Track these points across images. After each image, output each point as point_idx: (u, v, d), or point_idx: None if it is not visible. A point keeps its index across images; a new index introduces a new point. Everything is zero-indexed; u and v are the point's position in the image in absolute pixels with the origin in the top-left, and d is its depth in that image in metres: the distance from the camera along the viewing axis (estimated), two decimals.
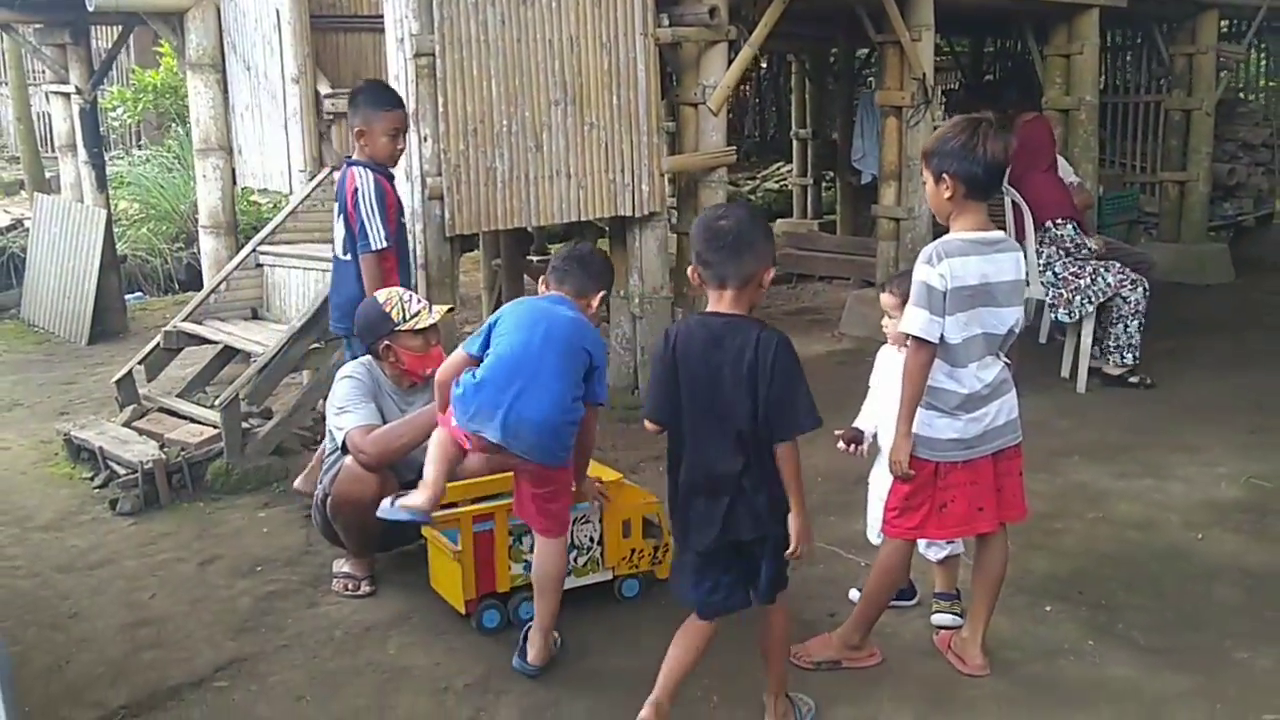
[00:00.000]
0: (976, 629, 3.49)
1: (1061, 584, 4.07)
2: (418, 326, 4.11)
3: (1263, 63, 11.43)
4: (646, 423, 3.10)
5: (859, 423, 3.86)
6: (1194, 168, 9.73)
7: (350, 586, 4.14)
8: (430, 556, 3.97)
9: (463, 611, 3.77)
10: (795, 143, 12.34)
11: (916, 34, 7.25)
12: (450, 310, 4.60)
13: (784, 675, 3.18)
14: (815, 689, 3.36)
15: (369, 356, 4.22)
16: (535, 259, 7.77)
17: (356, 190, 4.41)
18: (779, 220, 12.01)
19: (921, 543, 3.77)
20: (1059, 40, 8.58)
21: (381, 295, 4.21)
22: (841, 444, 3.81)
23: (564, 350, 3.40)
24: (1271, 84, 11.42)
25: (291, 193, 6.41)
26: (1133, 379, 6.41)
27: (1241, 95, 11.05)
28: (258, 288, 6.17)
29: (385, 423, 4.02)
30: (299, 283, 5.90)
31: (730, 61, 6.49)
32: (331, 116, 6.21)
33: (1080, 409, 6.17)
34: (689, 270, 3.09)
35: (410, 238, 5.36)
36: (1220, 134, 10.00)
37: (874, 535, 3.83)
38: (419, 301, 4.22)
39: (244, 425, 5.28)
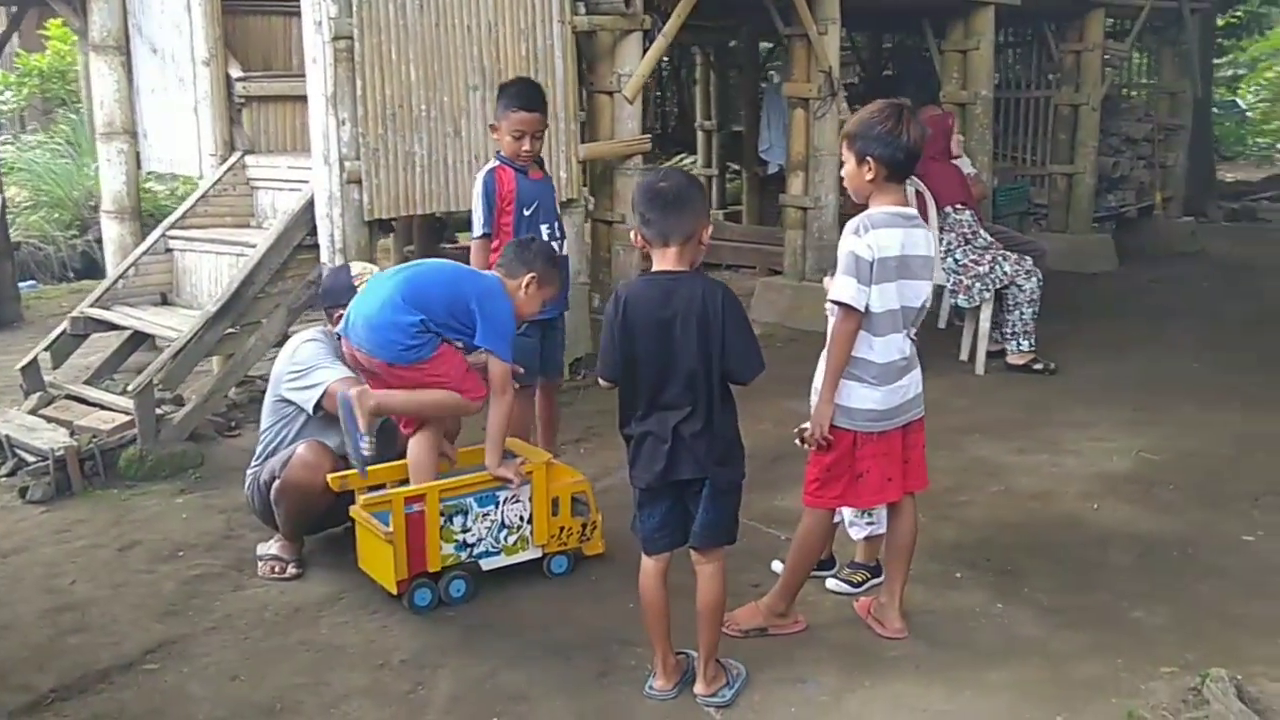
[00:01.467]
0: (894, 594, 3.66)
1: (969, 552, 4.28)
2: None
3: (1143, 61, 11.94)
4: (600, 380, 3.27)
5: None
6: (1081, 161, 10.16)
7: (277, 569, 4.14)
8: (359, 538, 3.99)
9: (394, 592, 3.80)
10: (700, 134, 12.50)
11: (823, 28, 7.46)
12: None
13: (715, 641, 3.31)
14: (744, 655, 3.48)
15: (321, 327, 4.25)
16: (448, 246, 7.76)
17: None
18: None
19: (846, 520, 3.94)
20: (956, 36, 8.90)
21: (355, 268, 4.27)
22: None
23: (418, 276, 3.84)
24: (1151, 82, 11.94)
25: (202, 177, 6.33)
26: (1037, 366, 6.69)
27: (1124, 92, 11.54)
28: (168, 273, 6.09)
29: None
30: (210, 267, 5.84)
31: (645, 50, 6.59)
32: (243, 100, 6.15)
33: (978, 390, 6.44)
34: (631, 234, 3.29)
35: (328, 222, 5.37)
36: (1105, 129, 10.45)
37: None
38: None
39: (157, 411, 5.21)
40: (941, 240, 6.78)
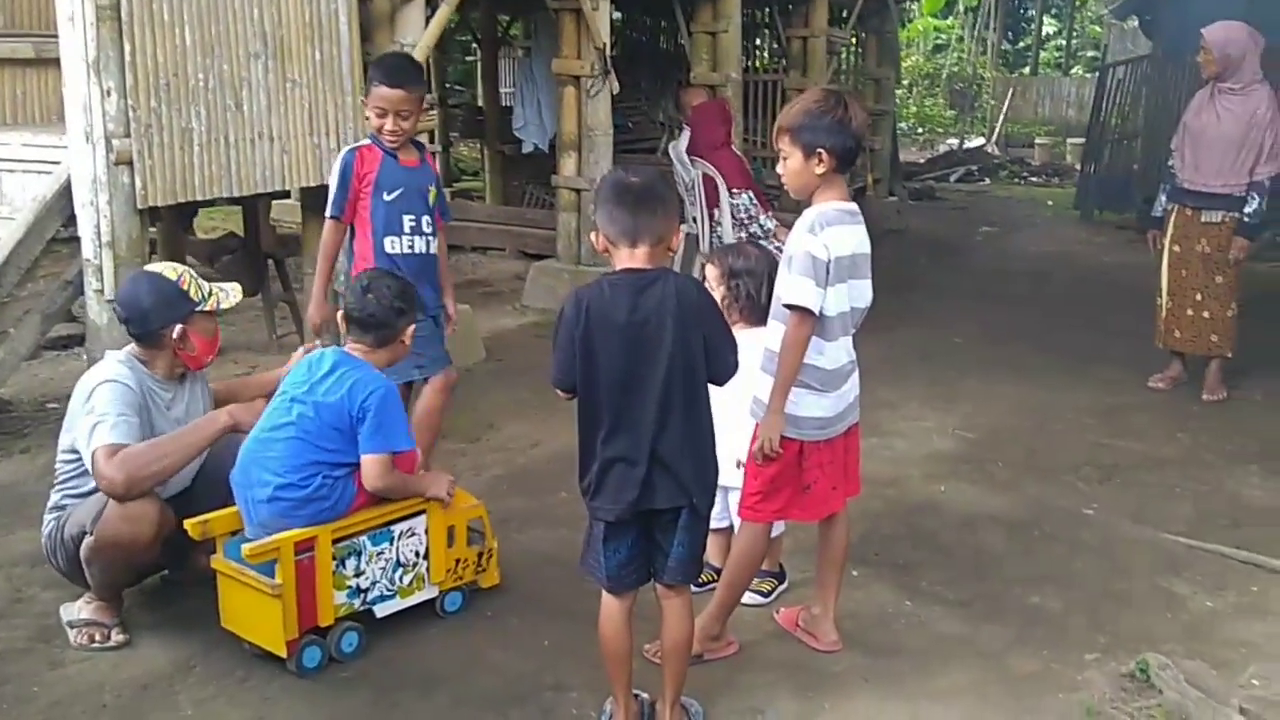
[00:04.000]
0: (828, 606, 3.51)
1: (855, 548, 4.16)
2: (223, 305, 3.58)
3: (854, 48, 12.54)
4: (558, 390, 2.87)
5: None
6: None
7: (99, 637, 3.41)
8: (223, 594, 3.35)
9: (283, 654, 3.22)
10: None
11: (594, 3, 7.19)
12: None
13: (683, 682, 3.02)
14: (686, 688, 3.21)
15: (127, 352, 3.49)
16: (196, 236, 6.83)
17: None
18: None
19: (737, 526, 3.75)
20: (705, 18, 8.90)
21: (170, 271, 3.53)
22: None
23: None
24: (858, 68, 12.56)
25: None
26: None
27: (841, 78, 12.08)
28: None
29: (153, 436, 3.36)
30: None
31: (429, 20, 6.06)
32: None
33: None
34: (592, 235, 2.91)
35: (92, 210, 4.54)
36: None
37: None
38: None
39: None
40: (725, 224, 6.74)
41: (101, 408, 3.29)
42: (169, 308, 3.46)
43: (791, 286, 3.13)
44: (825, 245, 3.11)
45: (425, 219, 4.21)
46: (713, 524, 3.75)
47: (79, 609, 3.47)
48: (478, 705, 3.15)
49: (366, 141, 4.20)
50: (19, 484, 4.60)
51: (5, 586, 3.75)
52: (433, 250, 4.25)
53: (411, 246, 4.17)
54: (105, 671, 3.29)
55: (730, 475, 3.65)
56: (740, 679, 3.32)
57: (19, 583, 3.76)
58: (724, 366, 2.89)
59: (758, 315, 3.71)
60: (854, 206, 3.25)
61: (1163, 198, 6.11)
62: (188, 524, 3.32)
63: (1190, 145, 5.83)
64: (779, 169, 3.30)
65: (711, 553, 3.87)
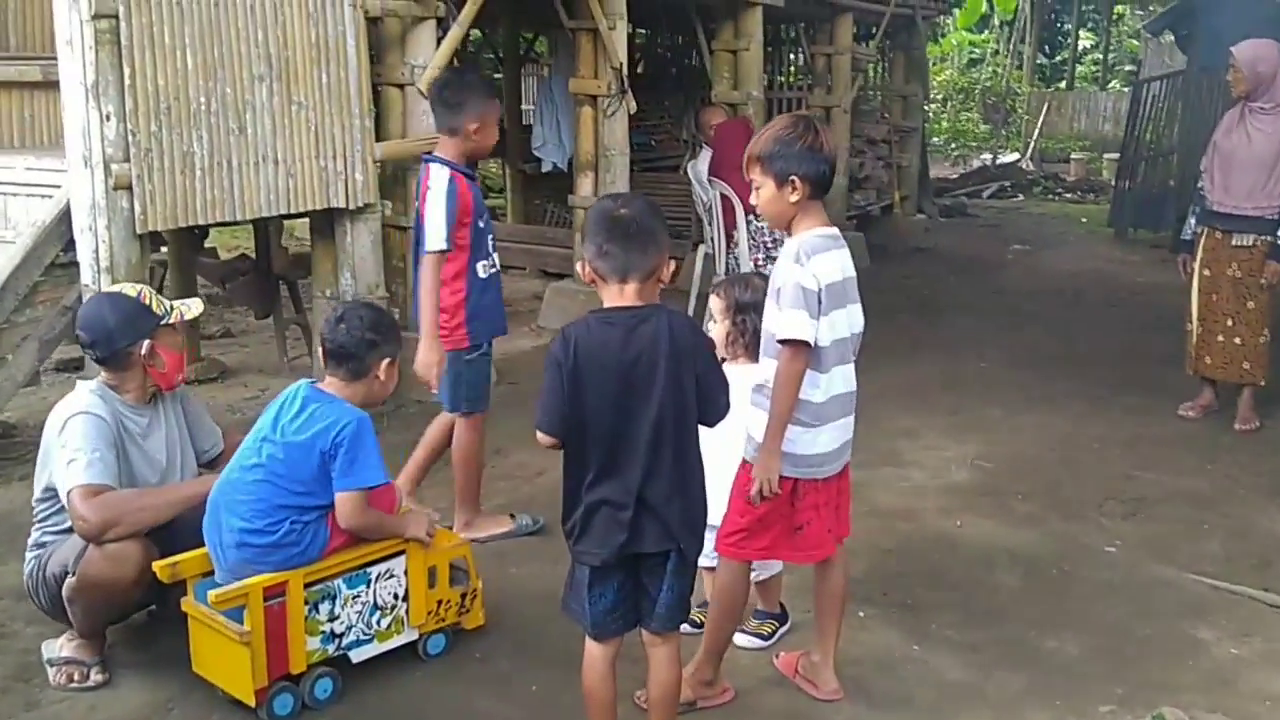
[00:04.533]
0: (828, 653, 3.37)
1: (863, 585, 4.06)
2: (186, 317, 3.50)
3: (878, 65, 12.39)
4: (541, 436, 2.71)
5: None
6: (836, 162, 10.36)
7: (78, 676, 3.33)
8: (195, 638, 3.24)
9: (251, 703, 3.11)
10: None
11: (611, 22, 7.10)
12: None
13: None
14: None
15: (99, 383, 3.41)
16: (205, 259, 6.78)
17: (429, 187, 4.03)
18: None
19: None
20: (726, 36, 8.80)
21: (129, 289, 3.48)
22: None
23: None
24: (885, 85, 12.41)
25: None
26: None
27: (869, 95, 11.94)
28: None
29: (129, 470, 3.28)
30: None
31: (440, 41, 5.99)
32: None
33: None
34: (579, 266, 2.79)
35: (90, 236, 4.48)
36: (850, 130, 10.73)
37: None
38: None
39: None
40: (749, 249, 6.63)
41: (75, 443, 3.20)
42: (133, 325, 3.36)
43: (784, 321, 3.00)
44: (814, 275, 2.98)
45: (490, 238, 4.25)
46: (705, 562, 3.64)
47: (60, 646, 3.40)
48: None
49: (447, 168, 4.06)
50: (16, 512, 4.51)
51: None
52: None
53: (495, 265, 4.28)
54: (81, 713, 3.21)
55: (717, 515, 3.52)
56: None
57: (3, 616, 3.70)
58: (715, 408, 2.79)
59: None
60: (835, 231, 3.14)
61: (1192, 220, 5.92)
62: (156, 566, 3.21)
63: (1220, 166, 5.64)
64: (752, 199, 3.19)
65: (762, 600, 3.74)
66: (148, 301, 3.43)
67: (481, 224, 4.16)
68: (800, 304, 2.98)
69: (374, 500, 3.24)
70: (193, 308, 3.58)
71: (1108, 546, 4.45)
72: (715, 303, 3.60)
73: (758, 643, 3.62)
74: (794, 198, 3.04)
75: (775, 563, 3.64)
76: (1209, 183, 5.72)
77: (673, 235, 9.48)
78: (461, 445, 4.33)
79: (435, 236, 3.99)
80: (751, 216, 6.68)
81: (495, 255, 4.27)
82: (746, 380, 3.50)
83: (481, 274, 4.18)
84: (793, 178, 3.03)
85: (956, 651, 3.63)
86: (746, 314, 3.53)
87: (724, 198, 6.65)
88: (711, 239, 7.04)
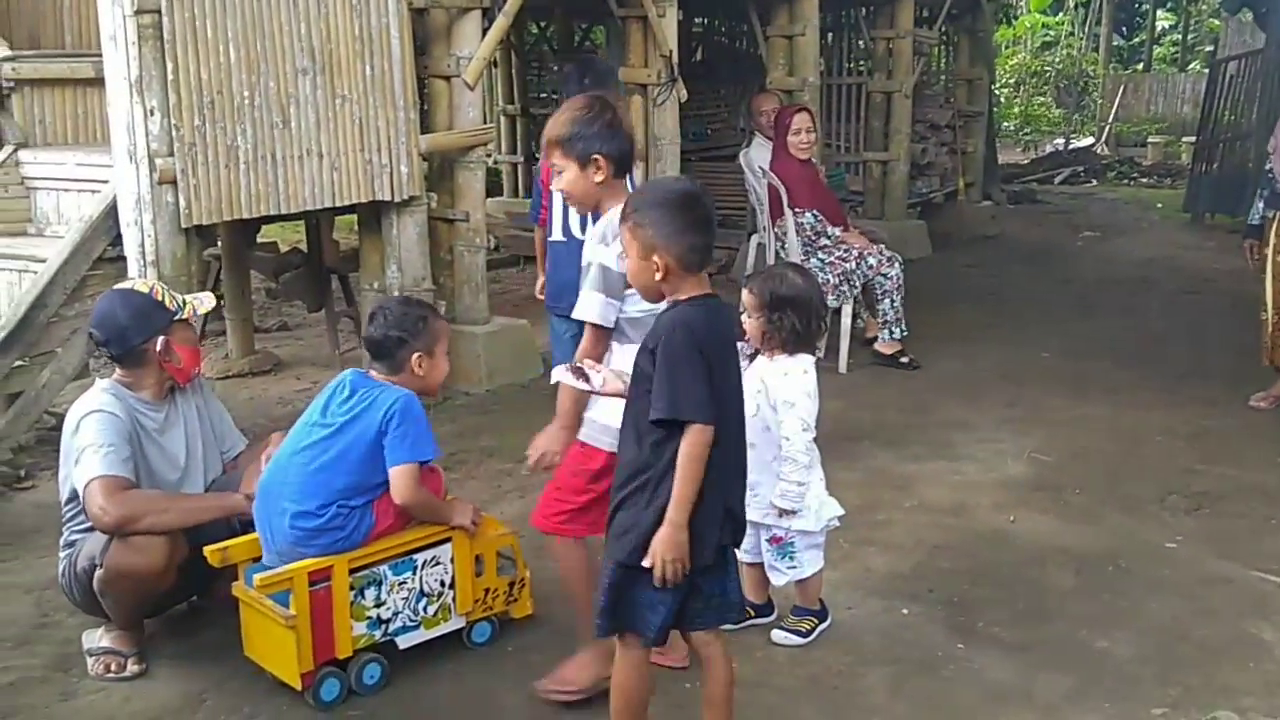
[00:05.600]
0: None
1: (908, 582, 3.96)
2: (199, 311, 3.51)
3: (940, 49, 12.12)
4: (701, 425, 2.51)
5: None
6: (895, 148, 10.17)
7: (115, 666, 3.35)
8: (246, 622, 3.27)
9: (298, 687, 3.13)
10: (503, 119, 11.89)
11: (661, 10, 7.01)
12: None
13: None
14: None
15: (112, 381, 3.42)
16: (259, 252, 6.85)
17: None
18: (488, 200, 11.51)
19: (766, 564, 3.53)
20: (781, 22, 8.65)
21: (141, 285, 3.50)
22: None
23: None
24: (949, 68, 12.14)
25: None
26: (903, 359, 6.54)
27: (934, 79, 11.69)
28: None
29: (148, 467, 3.31)
30: None
31: (485, 32, 5.97)
32: (12, 84, 5.15)
33: (848, 390, 6.17)
34: (656, 258, 2.56)
35: (136, 230, 4.53)
36: (912, 115, 10.51)
37: None
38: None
39: None
40: (797, 243, 6.50)
41: (89, 438, 3.21)
42: (147, 320, 3.35)
43: (582, 300, 3.00)
44: (620, 256, 2.88)
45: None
46: (747, 558, 3.58)
47: (99, 637, 3.42)
48: None
49: None
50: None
51: (33, 611, 3.73)
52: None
53: (574, 233, 4.36)
54: (116, 704, 3.23)
55: (763, 514, 3.45)
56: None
57: (47, 607, 3.74)
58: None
59: (801, 345, 3.49)
60: None
61: (1260, 204, 5.68)
62: (207, 551, 3.26)
63: None
64: (554, 185, 3.17)
65: (749, 588, 3.67)
66: (160, 297, 3.42)
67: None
68: (600, 285, 2.97)
69: (422, 481, 3.25)
70: (205, 302, 3.58)
71: (1168, 543, 4.28)
72: (749, 298, 3.49)
73: (796, 639, 3.54)
74: (598, 178, 3.05)
75: (817, 560, 3.55)
76: (1279, 165, 5.48)
77: (730, 225, 9.49)
78: None
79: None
80: (792, 210, 6.55)
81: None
82: (780, 374, 3.43)
83: (563, 236, 4.47)
84: (595, 157, 3.03)
85: (1002, 651, 3.50)
86: (783, 310, 3.42)
87: (771, 188, 6.54)
88: (764, 228, 6.93)
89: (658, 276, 2.58)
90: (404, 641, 3.33)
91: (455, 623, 3.40)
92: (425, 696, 3.24)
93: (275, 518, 3.21)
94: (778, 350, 3.46)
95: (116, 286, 3.58)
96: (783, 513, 3.42)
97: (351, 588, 3.19)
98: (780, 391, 3.41)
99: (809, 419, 3.41)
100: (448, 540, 3.36)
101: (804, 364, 3.46)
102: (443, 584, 3.35)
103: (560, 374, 2.87)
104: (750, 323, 3.48)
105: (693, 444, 2.50)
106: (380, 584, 3.26)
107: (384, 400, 3.21)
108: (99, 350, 3.50)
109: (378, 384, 3.29)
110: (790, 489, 3.38)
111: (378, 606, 3.26)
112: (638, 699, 2.72)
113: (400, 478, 3.19)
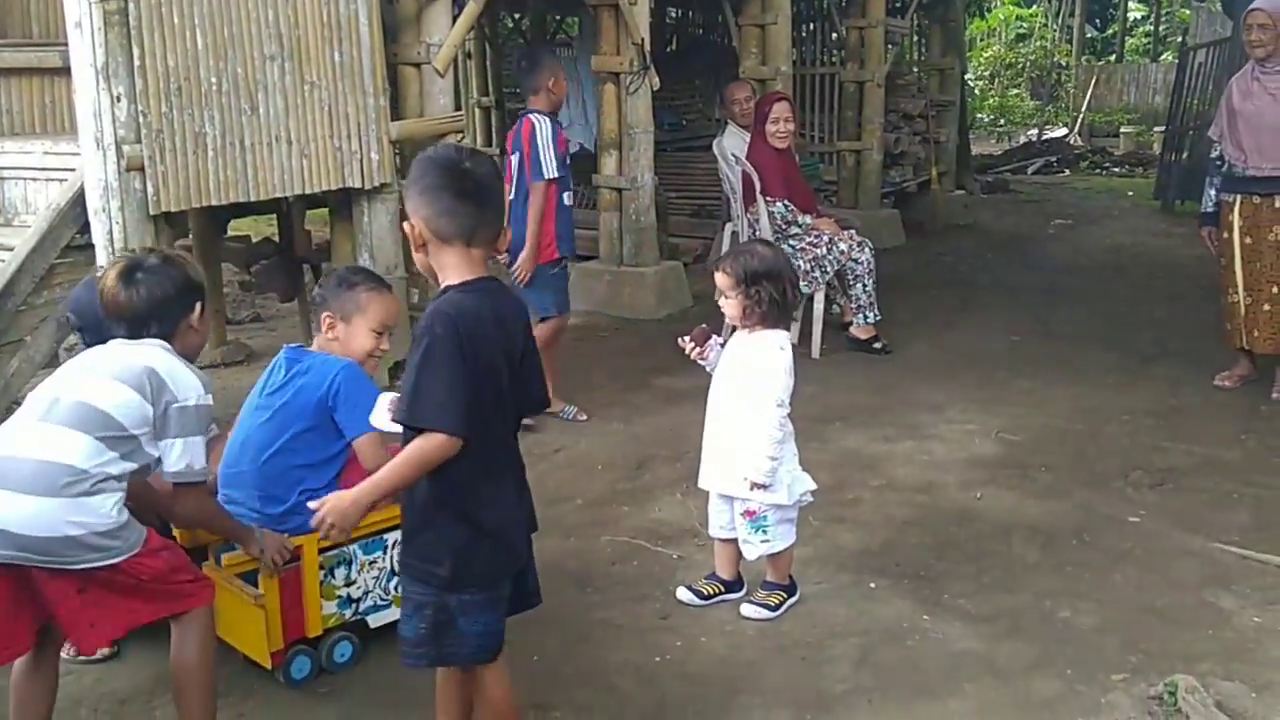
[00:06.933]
0: None
1: (876, 557, 4.01)
2: None
3: (912, 39, 12.19)
4: (447, 435, 2.34)
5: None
6: (868, 137, 10.23)
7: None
8: (216, 603, 3.26)
9: (268, 665, 3.15)
10: (477, 111, 11.88)
11: None
12: None
13: None
14: (678, 703, 3.04)
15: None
16: (231, 243, 6.83)
17: (534, 131, 5.24)
18: None
19: (740, 538, 3.57)
20: (754, 11, 8.70)
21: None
22: (686, 341, 3.56)
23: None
24: (921, 58, 12.22)
25: None
26: (876, 344, 6.60)
27: (906, 69, 11.75)
28: None
29: None
30: None
31: (455, 19, 5.97)
32: None
33: (821, 375, 6.20)
34: (407, 226, 2.44)
35: (104, 217, 4.52)
36: (885, 105, 10.57)
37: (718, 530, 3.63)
38: None
39: None
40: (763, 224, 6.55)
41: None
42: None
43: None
44: None
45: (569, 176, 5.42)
46: (723, 534, 3.63)
47: None
48: None
49: (545, 117, 5.31)
50: None
51: None
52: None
53: (573, 198, 5.55)
54: (87, 685, 3.24)
55: (734, 485, 3.49)
56: (737, 700, 3.13)
57: None
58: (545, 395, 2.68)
59: (781, 318, 3.53)
60: None
61: (1211, 192, 5.80)
62: (176, 531, 3.26)
63: (1247, 131, 5.46)
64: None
65: (721, 565, 3.72)
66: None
67: (569, 160, 5.41)
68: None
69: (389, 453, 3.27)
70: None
71: (1131, 517, 4.34)
72: (721, 279, 3.51)
73: (765, 613, 3.57)
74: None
75: (790, 535, 3.59)
76: (1235, 150, 5.55)
77: (705, 215, 9.50)
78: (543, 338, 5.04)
79: (550, 166, 5.21)
80: (767, 198, 6.59)
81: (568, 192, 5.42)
82: (764, 346, 3.46)
83: (566, 201, 5.39)
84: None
85: (967, 622, 3.55)
86: (759, 283, 3.45)
87: (745, 175, 6.57)
88: (737, 216, 6.96)
89: (415, 249, 2.42)
90: (375, 620, 3.35)
91: None
92: (396, 675, 3.26)
93: (238, 506, 3.23)
94: (757, 325, 3.49)
95: (89, 277, 3.56)
96: (755, 486, 3.45)
97: (322, 567, 3.21)
98: (756, 366, 3.45)
99: (784, 395, 3.45)
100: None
101: (780, 340, 3.49)
102: None
103: None
104: (728, 303, 3.50)
105: (422, 449, 2.33)
106: (351, 563, 3.28)
107: (325, 370, 3.22)
108: (76, 333, 3.47)
109: (313, 354, 3.33)
110: (764, 464, 3.42)
111: (348, 585, 3.28)
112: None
113: (365, 447, 3.21)
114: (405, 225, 2.46)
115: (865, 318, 6.60)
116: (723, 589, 3.69)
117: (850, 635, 3.46)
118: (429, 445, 2.33)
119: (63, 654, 3.32)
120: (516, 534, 2.53)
